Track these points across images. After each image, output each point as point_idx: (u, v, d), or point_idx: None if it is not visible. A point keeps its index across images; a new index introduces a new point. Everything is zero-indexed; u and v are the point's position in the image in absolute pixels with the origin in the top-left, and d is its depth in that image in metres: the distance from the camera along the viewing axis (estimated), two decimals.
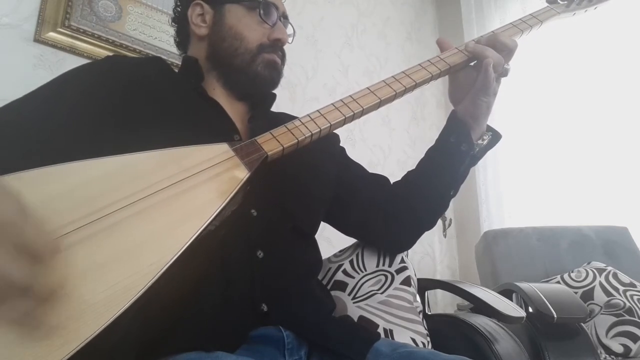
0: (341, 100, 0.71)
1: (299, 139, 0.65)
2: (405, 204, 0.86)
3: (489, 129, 0.83)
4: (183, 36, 0.87)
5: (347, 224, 0.92)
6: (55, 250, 0.43)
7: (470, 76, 0.78)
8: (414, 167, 0.89)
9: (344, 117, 0.69)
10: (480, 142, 0.82)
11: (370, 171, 0.96)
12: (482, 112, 0.79)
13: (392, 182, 0.92)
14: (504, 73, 0.77)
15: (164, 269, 0.46)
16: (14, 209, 0.41)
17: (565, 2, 0.87)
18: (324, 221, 0.91)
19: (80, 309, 0.42)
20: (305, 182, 0.80)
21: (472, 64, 0.79)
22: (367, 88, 0.73)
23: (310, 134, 0.66)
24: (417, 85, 0.75)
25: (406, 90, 0.75)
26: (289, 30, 0.87)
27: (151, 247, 0.48)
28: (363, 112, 0.71)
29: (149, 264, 0.46)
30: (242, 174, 0.58)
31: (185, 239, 0.49)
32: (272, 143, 0.63)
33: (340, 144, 0.96)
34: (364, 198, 0.89)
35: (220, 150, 0.60)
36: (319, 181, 0.84)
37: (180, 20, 0.87)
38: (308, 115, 0.68)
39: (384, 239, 0.90)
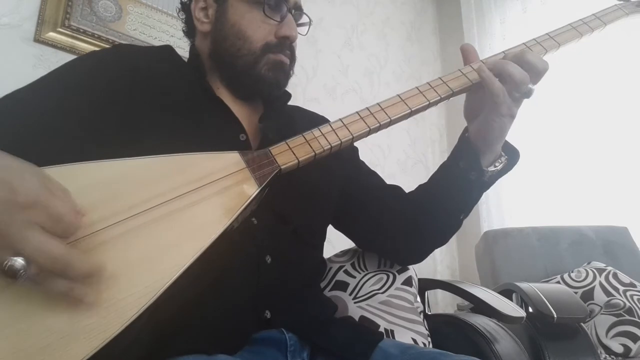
0: (367, 108, 0.63)
1: (317, 152, 0.59)
2: (414, 221, 0.80)
3: (505, 148, 0.73)
4: (189, 27, 0.82)
5: (358, 232, 0.88)
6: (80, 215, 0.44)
7: (483, 92, 0.68)
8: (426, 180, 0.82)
9: (368, 129, 0.61)
10: (492, 168, 0.72)
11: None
12: (495, 136, 0.69)
13: (403, 192, 0.86)
14: (528, 94, 0.65)
15: (167, 285, 0.45)
16: (37, 185, 0.40)
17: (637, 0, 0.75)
18: (335, 228, 0.88)
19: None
20: (308, 188, 0.75)
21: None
22: (398, 95, 0.65)
23: (329, 146, 0.59)
24: (453, 94, 0.66)
25: (441, 99, 0.66)
26: (304, 19, 0.79)
27: (155, 264, 0.46)
28: (390, 123, 0.63)
29: (153, 280, 0.45)
30: (252, 189, 0.54)
31: (189, 256, 0.47)
32: (286, 155, 0.58)
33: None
34: (377, 209, 0.83)
35: (231, 160, 0.56)
36: (322, 185, 0.78)
37: (185, 12, 0.82)
38: (329, 124, 0.62)
39: (393, 251, 0.87)
